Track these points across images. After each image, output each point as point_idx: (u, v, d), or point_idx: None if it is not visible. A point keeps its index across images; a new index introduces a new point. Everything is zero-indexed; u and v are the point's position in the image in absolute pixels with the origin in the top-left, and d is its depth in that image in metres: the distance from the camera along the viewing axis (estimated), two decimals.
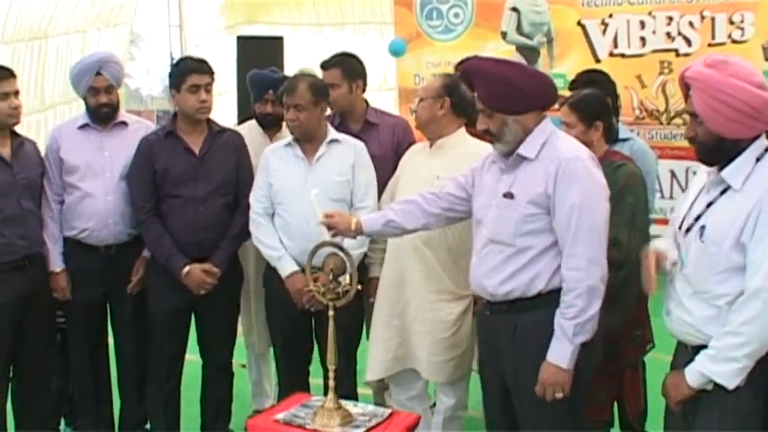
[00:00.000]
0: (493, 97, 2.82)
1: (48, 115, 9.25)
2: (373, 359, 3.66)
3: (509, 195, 2.82)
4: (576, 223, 2.69)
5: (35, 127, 9.13)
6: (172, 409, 3.99)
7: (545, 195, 2.74)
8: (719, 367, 2.39)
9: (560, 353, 2.72)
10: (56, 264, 3.90)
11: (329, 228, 3.12)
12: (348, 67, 4.03)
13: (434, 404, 3.89)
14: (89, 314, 3.99)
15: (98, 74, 3.85)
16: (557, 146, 2.79)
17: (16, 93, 3.67)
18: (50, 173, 3.92)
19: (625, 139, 3.89)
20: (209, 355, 4.06)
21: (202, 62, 3.87)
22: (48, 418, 4.07)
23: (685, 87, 2.52)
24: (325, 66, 4.08)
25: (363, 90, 4.15)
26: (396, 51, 7.98)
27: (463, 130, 3.62)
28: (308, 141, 3.74)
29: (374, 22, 8.93)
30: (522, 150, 2.81)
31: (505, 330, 2.89)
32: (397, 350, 3.61)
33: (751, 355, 2.35)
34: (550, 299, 2.77)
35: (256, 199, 3.77)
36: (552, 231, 2.76)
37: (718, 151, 2.46)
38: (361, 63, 4.17)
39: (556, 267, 2.77)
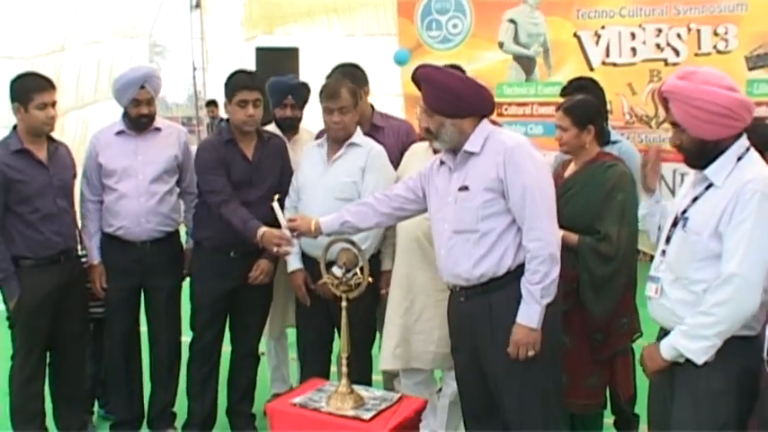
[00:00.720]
0: (434, 101, 2.95)
1: (63, 120, 9.30)
2: (383, 351, 3.69)
3: (464, 188, 2.94)
4: (531, 201, 2.82)
5: (54, 132, 9.19)
6: (210, 388, 4.06)
7: (497, 180, 2.86)
8: (690, 343, 2.46)
9: (530, 314, 2.82)
10: (94, 257, 3.98)
11: (292, 231, 3.25)
12: (352, 76, 4.03)
13: (440, 389, 3.92)
14: (125, 303, 4.04)
15: (142, 87, 3.90)
16: (499, 138, 2.92)
17: (53, 103, 3.69)
18: (90, 175, 4.00)
19: (614, 142, 4.01)
20: (239, 341, 4.10)
21: (253, 77, 3.90)
22: (82, 402, 4.13)
23: (664, 101, 2.58)
24: (330, 76, 4.08)
25: (367, 94, 4.18)
26: (400, 61, 7.99)
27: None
28: (336, 142, 3.75)
29: (380, 34, 8.93)
30: (467, 147, 2.94)
31: (481, 311, 2.97)
32: (395, 349, 3.63)
33: (720, 334, 2.41)
34: (518, 274, 2.87)
35: (288, 196, 3.83)
36: (508, 212, 2.88)
37: (702, 154, 2.53)
38: (362, 70, 4.20)
39: (518, 244, 2.88)
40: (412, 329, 3.60)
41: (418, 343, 3.60)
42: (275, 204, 3.26)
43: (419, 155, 3.72)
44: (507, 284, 2.88)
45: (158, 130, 4.06)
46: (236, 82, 3.78)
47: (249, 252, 3.82)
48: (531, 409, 2.94)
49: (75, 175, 3.98)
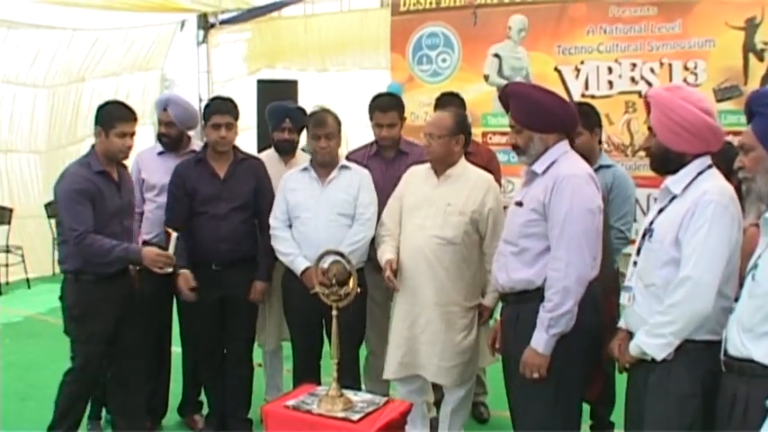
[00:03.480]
0: (524, 115, 2.92)
1: (80, 147, 9.34)
2: (387, 362, 3.68)
3: (519, 204, 2.95)
4: (560, 230, 2.77)
5: (70, 158, 9.23)
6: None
7: (542, 204, 2.83)
8: (650, 340, 2.50)
9: (538, 339, 2.80)
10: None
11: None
12: (402, 108, 4.20)
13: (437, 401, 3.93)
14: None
15: (164, 110, 4.19)
16: (561, 164, 2.87)
17: (132, 134, 3.70)
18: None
19: (608, 166, 3.88)
20: (230, 346, 4.16)
21: (226, 103, 4.03)
22: (137, 412, 4.05)
23: (648, 106, 2.65)
24: (384, 108, 4.15)
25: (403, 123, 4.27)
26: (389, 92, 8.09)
27: (463, 159, 3.68)
28: (324, 167, 3.85)
29: (371, 68, 9.00)
30: (534, 167, 2.91)
31: (511, 319, 3.00)
32: (403, 357, 3.62)
33: (676, 333, 2.45)
34: None
35: (275, 216, 3.88)
36: (548, 237, 2.84)
37: (664, 161, 2.60)
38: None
39: None
40: (419, 340, 3.58)
41: (424, 353, 3.59)
42: (173, 239, 3.51)
43: (419, 176, 3.73)
44: (535, 300, 2.85)
45: (194, 152, 4.22)
46: (211, 108, 3.97)
47: (231, 263, 3.92)
48: (528, 428, 2.94)
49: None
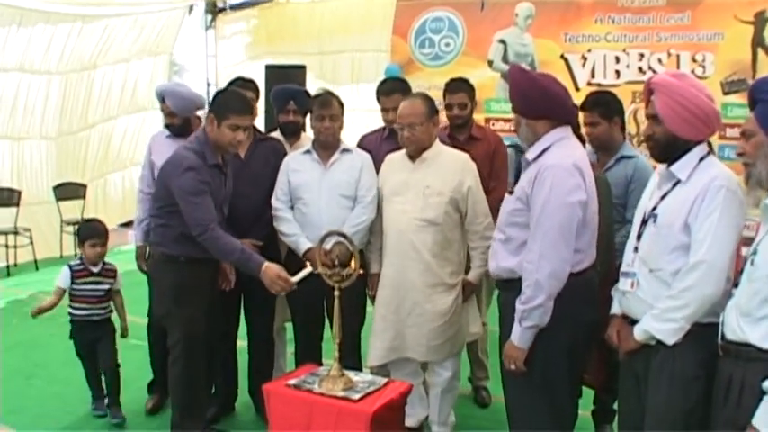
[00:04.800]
0: (513, 100, 2.93)
1: (90, 133, 9.43)
2: (372, 348, 3.71)
3: (511, 192, 2.92)
4: (537, 222, 2.72)
5: (80, 143, 9.32)
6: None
7: (526, 194, 2.79)
8: (661, 325, 2.49)
9: (514, 331, 2.79)
10: None
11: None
12: (407, 90, 4.17)
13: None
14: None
15: (163, 101, 4.26)
16: (551, 153, 2.78)
17: (245, 128, 3.54)
18: (145, 171, 4.30)
19: (630, 157, 3.70)
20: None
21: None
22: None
23: (648, 93, 2.63)
24: (388, 92, 4.15)
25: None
26: (391, 75, 8.10)
27: (438, 140, 3.70)
28: (325, 149, 3.87)
29: (371, 50, 8.96)
30: (527, 154, 2.88)
31: (502, 305, 2.98)
32: (393, 341, 3.64)
33: (688, 317, 2.45)
34: None
35: (277, 198, 3.89)
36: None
37: (670, 148, 2.58)
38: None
39: None
40: (405, 323, 3.62)
41: (412, 336, 3.62)
42: (309, 269, 3.23)
43: (394, 163, 3.77)
44: (518, 289, 2.78)
45: None
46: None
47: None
48: (517, 419, 2.95)
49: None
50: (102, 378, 4.22)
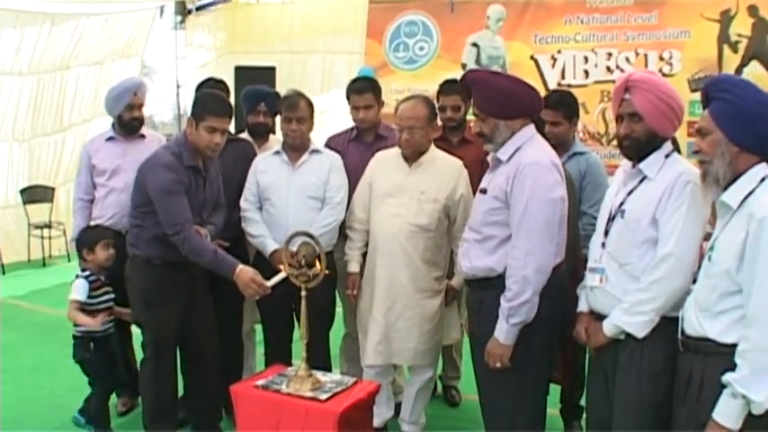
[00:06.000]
0: (488, 103, 2.86)
1: (65, 135, 9.32)
2: (367, 347, 3.69)
3: (483, 191, 2.91)
4: (520, 219, 2.73)
5: (54, 145, 9.20)
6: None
7: (504, 192, 2.79)
8: (630, 318, 2.52)
9: (500, 329, 2.78)
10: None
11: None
12: (378, 90, 4.14)
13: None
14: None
15: (135, 94, 4.25)
16: (525, 152, 2.80)
17: (223, 131, 3.48)
18: (83, 176, 4.29)
19: (581, 153, 3.82)
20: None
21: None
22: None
23: (624, 91, 2.61)
24: (360, 90, 4.07)
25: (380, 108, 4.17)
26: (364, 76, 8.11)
27: (433, 146, 3.70)
28: (294, 150, 3.85)
29: (344, 52, 8.95)
30: (499, 154, 2.86)
31: (475, 304, 2.98)
32: (377, 346, 3.63)
33: (658, 309, 2.47)
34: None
35: (245, 198, 3.88)
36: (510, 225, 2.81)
37: (648, 146, 2.60)
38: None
39: None
40: (393, 327, 3.61)
41: (399, 341, 3.62)
42: (283, 275, 3.18)
43: (388, 162, 3.72)
44: (496, 287, 2.80)
45: (143, 137, 4.37)
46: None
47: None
48: (497, 418, 2.95)
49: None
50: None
